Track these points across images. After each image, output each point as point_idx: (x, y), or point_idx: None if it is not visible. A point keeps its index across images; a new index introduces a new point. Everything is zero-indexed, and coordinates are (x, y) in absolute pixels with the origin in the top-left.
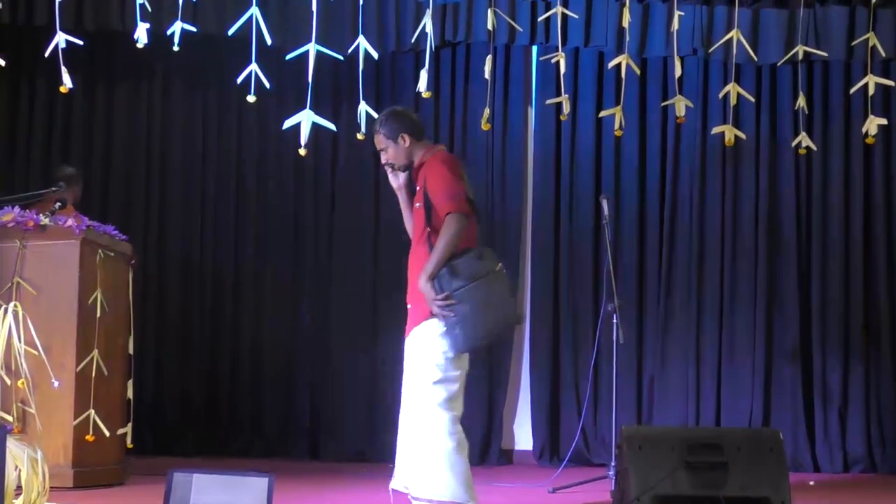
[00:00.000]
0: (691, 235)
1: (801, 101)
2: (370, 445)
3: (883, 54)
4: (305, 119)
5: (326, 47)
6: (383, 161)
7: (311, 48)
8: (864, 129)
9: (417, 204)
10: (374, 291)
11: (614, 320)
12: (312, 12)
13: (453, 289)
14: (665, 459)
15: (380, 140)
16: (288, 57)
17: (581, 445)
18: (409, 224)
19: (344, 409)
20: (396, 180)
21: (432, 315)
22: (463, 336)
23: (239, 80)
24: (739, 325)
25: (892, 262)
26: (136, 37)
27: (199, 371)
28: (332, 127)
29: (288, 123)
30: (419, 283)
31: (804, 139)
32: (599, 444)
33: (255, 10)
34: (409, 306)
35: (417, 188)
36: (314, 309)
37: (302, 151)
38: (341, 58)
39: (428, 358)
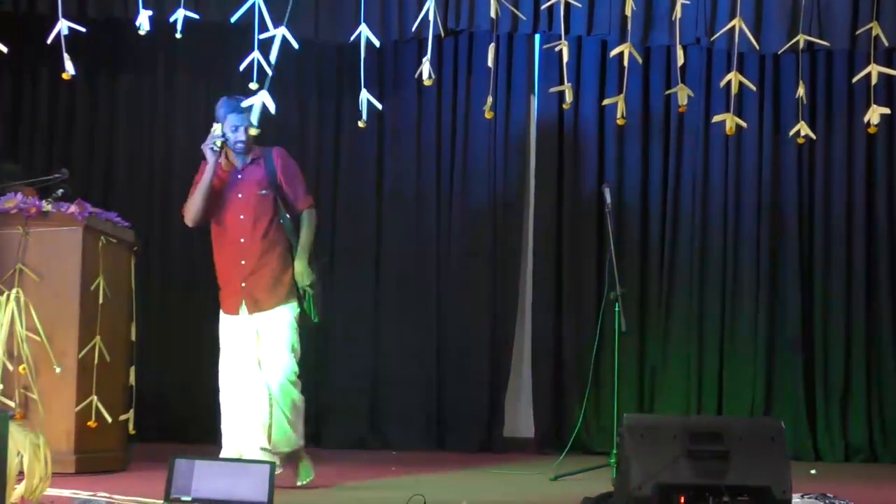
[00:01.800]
0: (693, 224)
1: (801, 91)
2: (371, 432)
3: (886, 43)
4: (258, 101)
5: (329, 35)
6: (236, 139)
7: (279, 32)
8: (866, 119)
9: (264, 191)
10: (376, 278)
11: (616, 308)
12: None
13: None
14: (667, 448)
15: (243, 119)
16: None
17: (583, 434)
18: (203, 204)
19: (346, 397)
20: (217, 158)
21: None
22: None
23: (241, 68)
24: (742, 314)
25: (894, 250)
26: (138, 24)
27: (201, 358)
28: (272, 110)
29: (246, 103)
30: (300, 266)
31: (803, 128)
32: (601, 433)
33: None
34: (244, 286)
35: (262, 177)
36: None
37: (253, 131)
38: (297, 45)
39: (292, 334)
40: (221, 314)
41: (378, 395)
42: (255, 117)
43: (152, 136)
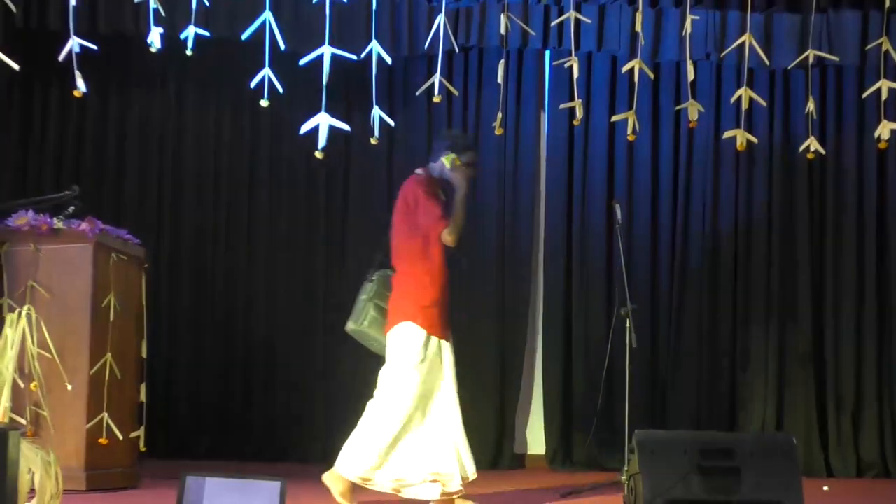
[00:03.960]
0: (704, 239)
1: (811, 106)
2: None
3: None
4: (322, 122)
5: (337, 49)
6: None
7: (326, 51)
8: (877, 134)
9: None
10: None
11: (627, 324)
12: (326, 15)
13: None
14: (678, 464)
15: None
16: (302, 62)
17: (593, 450)
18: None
19: (356, 412)
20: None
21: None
22: None
23: (252, 85)
24: (752, 329)
25: None
26: (149, 41)
27: (211, 374)
28: (347, 128)
29: (305, 127)
30: None
31: (813, 143)
32: (612, 449)
33: (268, 15)
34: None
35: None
36: (327, 314)
37: (319, 154)
38: (355, 58)
39: None
40: (424, 336)
41: None
42: (321, 142)
43: (163, 153)
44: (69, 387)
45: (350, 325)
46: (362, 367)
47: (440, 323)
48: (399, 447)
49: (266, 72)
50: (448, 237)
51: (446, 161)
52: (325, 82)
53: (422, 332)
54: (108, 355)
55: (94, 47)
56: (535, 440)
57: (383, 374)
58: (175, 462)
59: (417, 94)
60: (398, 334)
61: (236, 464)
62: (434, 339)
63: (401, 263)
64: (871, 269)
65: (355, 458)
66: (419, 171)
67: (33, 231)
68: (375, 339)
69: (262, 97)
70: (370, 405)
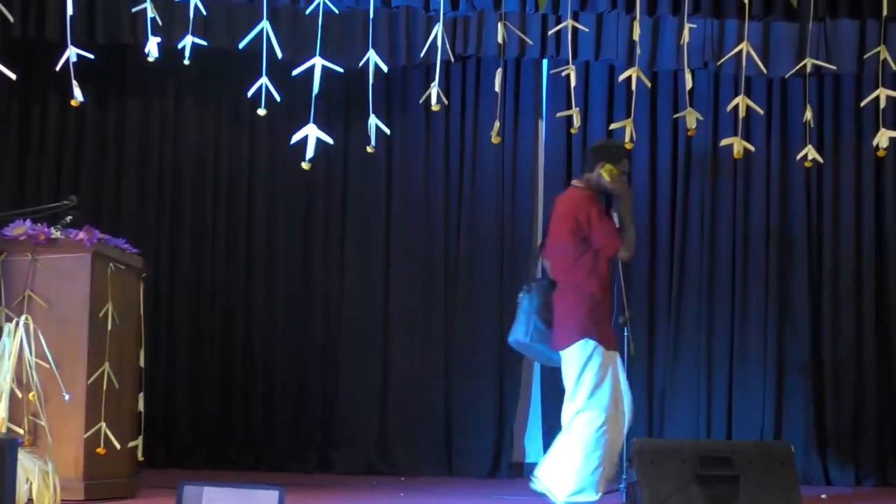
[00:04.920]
0: (702, 248)
1: (808, 115)
2: (381, 458)
3: (894, 67)
4: (311, 134)
5: (337, 61)
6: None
7: (317, 62)
8: (875, 142)
9: None
10: (386, 305)
11: (625, 333)
12: (318, 26)
13: None
14: (676, 472)
15: None
16: (294, 73)
17: None
18: None
19: (355, 422)
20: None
21: None
22: None
23: (249, 94)
24: (751, 338)
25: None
26: (146, 51)
27: (210, 384)
28: (330, 140)
29: (295, 138)
30: None
31: (810, 152)
32: None
33: (265, 24)
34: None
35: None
36: (324, 322)
37: (305, 166)
38: (342, 70)
39: None
40: (602, 350)
41: (387, 421)
42: (309, 153)
43: (161, 163)
44: (67, 396)
45: (514, 338)
46: (361, 377)
47: (610, 335)
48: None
49: (263, 81)
50: (625, 254)
51: (604, 173)
52: (314, 93)
53: (600, 347)
54: (106, 365)
55: (92, 56)
56: (534, 449)
57: (571, 390)
58: (173, 472)
59: (420, 101)
60: (578, 351)
61: (235, 473)
62: (611, 352)
63: (569, 278)
64: (870, 278)
65: (570, 480)
66: (578, 183)
67: (30, 241)
68: (541, 352)
69: (260, 106)
70: (569, 423)
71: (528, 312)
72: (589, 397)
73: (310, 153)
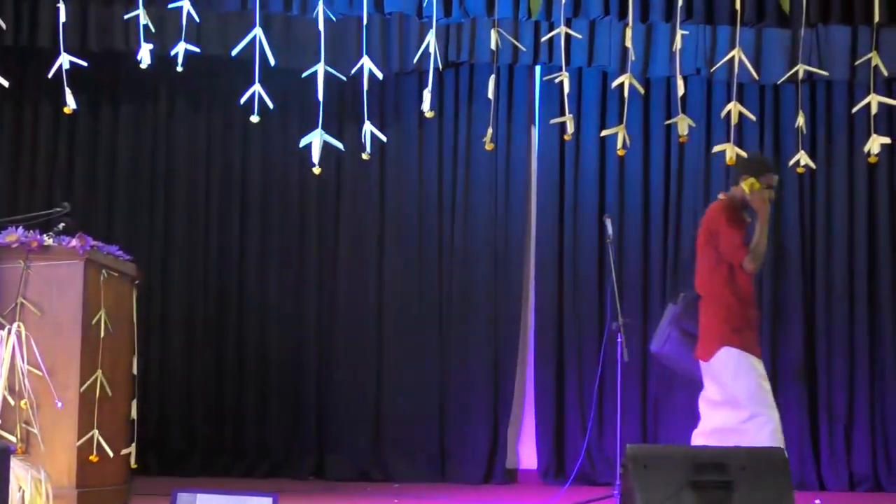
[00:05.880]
0: (694, 254)
1: (801, 121)
2: (375, 465)
3: (886, 73)
4: (317, 138)
5: (331, 67)
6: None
7: (320, 69)
8: (867, 149)
9: None
10: (379, 313)
11: (619, 339)
12: (320, 32)
13: None
14: (670, 479)
15: None
16: (304, 75)
17: (586, 464)
18: None
19: (348, 429)
20: None
21: None
22: None
23: (242, 101)
24: None
25: None
26: (139, 58)
27: (203, 391)
28: (340, 146)
29: (304, 142)
30: None
31: (802, 157)
32: (604, 463)
33: (258, 31)
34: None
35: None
36: (319, 340)
37: (316, 170)
38: (344, 78)
39: None
40: (745, 355)
41: (380, 427)
42: (315, 157)
43: (154, 170)
44: (59, 404)
45: (654, 348)
46: (355, 383)
47: (753, 342)
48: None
49: (256, 88)
50: (749, 265)
51: (745, 186)
52: (321, 100)
53: (741, 353)
54: (99, 372)
55: (84, 63)
56: (527, 456)
57: (710, 400)
58: (167, 479)
59: (424, 109)
60: (720, 361)
61: (228, 480)
62: (753, 357)
63: (708, 290)
64: (862, 284)
65: None
66: (721, 196)
67: (23, 248)
68: (680, 362)
69: (253, 113)
70: (742, 429)
71: (668, 322)
72: (754, 402)
73: (315, 157)
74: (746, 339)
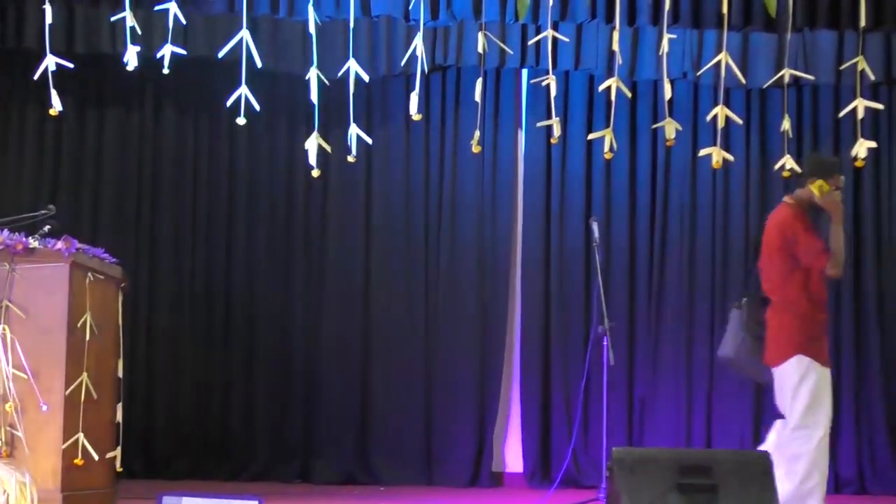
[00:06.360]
0: (681, 258)
1: (786, 125)
2: (361, 468)
3: (872, 78)
4: (314, 142)
5: (318, 70)
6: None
7: (312, 73)
8: (853, 153)
9: None
10: (366, 316)
11: (604, 342)
12: (311, 35)
13: None
14: (656, 481)
15: None
16: (220, 54)
17: (572, 468)
18: None
19: (335, 432)
20: None
21: None
22: None
23: (228, 103)
24: None
25: (881, 284)
26: (125, 60)
27: (189, 394)
28: (328, 148)
29: (306, 145)
30: None
31: (788, 161)
32: (590, 466)
33: (244, 34)
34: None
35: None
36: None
37: (315, 173)
38: (327, 82)
39: None
40: (816, 366)
41: (367, 431)
42: (311, 160)
43: (140, 172)
44: (44, 407)
45: (723, 353)
46: (342, 387)
47: (824, 350)
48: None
49: (242, 90)
50: (833, 270)
51: (814, 189)
52: (315, 102)
53: (815, 363)
54: (84, 375)
55: (71, 66)
56: (514, 459)
57: (786, 407)
58: (152, 482)
59: (412, 112)
60: (791, 368)
61: (214, 484)
62: (824, 368)
63: (781, 295)
64: (848, 286)
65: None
66: (788, 199)
67: (8, 250)
68: (751, 367)
69: (239, 115)
70: (788, 442)
71: (737, 328)
72: (805, 415)
73: (312, 160)
74: (819, 348)
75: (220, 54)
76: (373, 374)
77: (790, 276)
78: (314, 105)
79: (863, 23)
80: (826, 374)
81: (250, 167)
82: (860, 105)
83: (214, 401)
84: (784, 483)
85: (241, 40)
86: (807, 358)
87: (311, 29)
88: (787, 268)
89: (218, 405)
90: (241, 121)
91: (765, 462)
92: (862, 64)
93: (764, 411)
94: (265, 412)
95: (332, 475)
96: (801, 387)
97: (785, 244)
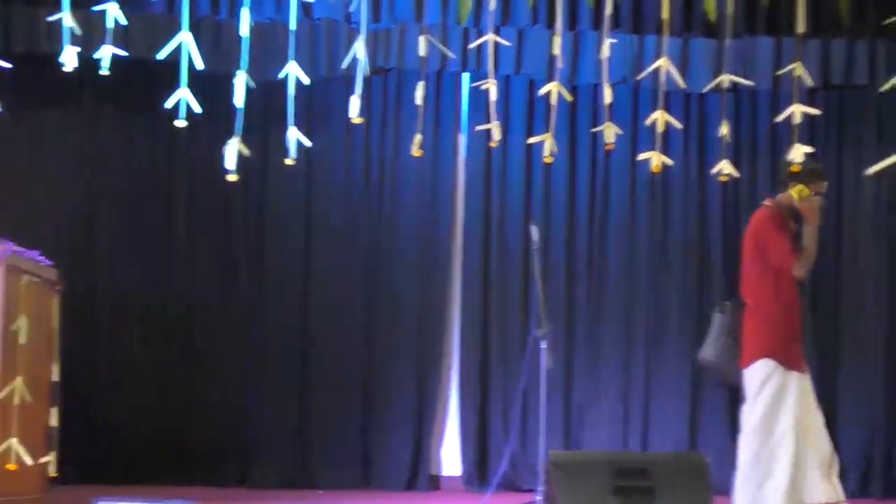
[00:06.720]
0: (620, 261)
1: (724, 129)
2: (299, 472)
3: (809, 83)
4: (231, 147)
5: (258, 72)
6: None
7: (239, 77)
8: (789, 157)
9: None
10: (305, 318)
11: (542, 346)
12: (242, 38)
13: None
14: (593, 484)
15: None
16: (160, 55)
17: (509, 471)
18: None
19: (273, 436)
20: None
21: None
22: None
23: (168, 105)
24: (668, 350)
25: (817, 286)
26: (63, 60)
27: (126, 399)
28: (247, 152)
29: (226, 151)
30: None
31: (725, 166)
32: (527, 470)
33: (185, 35)
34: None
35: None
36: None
37: (231, 178)
38: (254, 85)
39: None
40: (783, 370)
41: (305, 434)
42: (230, 164)
43: (79, 173)
44: None
45: (704, 357)
46: (280, 390)
47: (798, 354)
48: (798, 485)
49: (182, 92)
50: (799, 271)
51: (794, 193)
52: (241, 106)
53: (780, 368)
54: (18, 379)
55: (8, 65)
56: (451, 462)
57: (747, 412)
58: (88, 488)
59: (352, 116)
60: (758, 371)
61: (151, 488)
62: (794, 373)
63: (753, 298)
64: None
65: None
66: (767, 202)
67: None
68: (729, 371)
69: (179, 117)
70: (744, 444)
71: (718, 331)
72: (762, 418)
73: (230, 164)
74: (791, 351)
75: (160, 55)
76: (311, 377)
77: (761, 278)
78: (238, 109)
79: (801, 29)
80: (797, 378)
81: (190, 168)
82: (797, 110)
83: (151, 405)
84: (740, 491)
85: (181, 42)
86: (773, 362)
87: (243, 32)
88: (759, 270)
89: (155, 409)
90: (180, 123)
91: (700, 464)
92: (799, 70)
93: (701, 411)
94: (202, 416)
95: (270, 479)
96: (763, 390)
97: (757, 245)
